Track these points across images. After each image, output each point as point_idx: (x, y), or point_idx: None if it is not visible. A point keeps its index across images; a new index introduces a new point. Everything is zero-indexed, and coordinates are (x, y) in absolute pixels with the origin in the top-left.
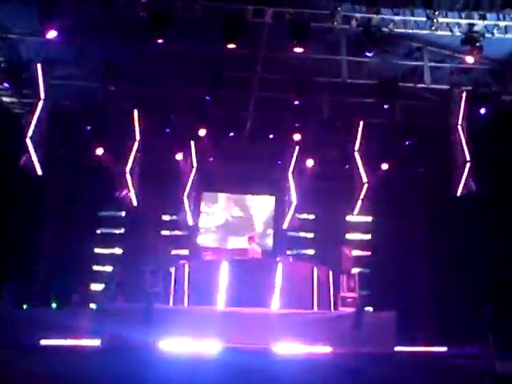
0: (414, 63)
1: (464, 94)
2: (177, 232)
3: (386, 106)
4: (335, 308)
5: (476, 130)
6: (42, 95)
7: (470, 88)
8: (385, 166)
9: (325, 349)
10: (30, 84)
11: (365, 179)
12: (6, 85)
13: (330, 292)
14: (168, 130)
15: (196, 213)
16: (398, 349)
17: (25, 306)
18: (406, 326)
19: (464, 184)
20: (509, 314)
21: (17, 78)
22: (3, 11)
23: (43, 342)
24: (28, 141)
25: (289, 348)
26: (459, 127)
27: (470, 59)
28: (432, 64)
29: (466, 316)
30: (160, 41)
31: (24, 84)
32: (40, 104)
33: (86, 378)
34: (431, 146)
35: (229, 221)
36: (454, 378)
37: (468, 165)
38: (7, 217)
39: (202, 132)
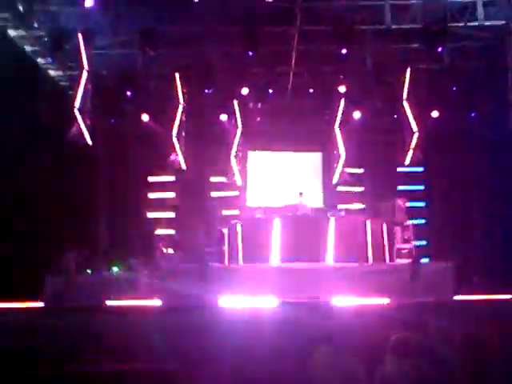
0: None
1: None
2: (227, 193)
3: (439, 49)
4: (391, 260)
5: None
6: (86, 65)
7: None
8: (435, 114)
9: (382, 300)
10: (74, 55)
11: (415, 128)
12: (49, 59)
13: (384, 244)
14: (210, 91)
15: (244, 173)
16: (457, 298)
17: (88, 271)
18: (465, 275)
19: None
20: None
21: (60, 49)
22: None
23: (108, 303)
24: (76, 112)
25: (345, 301)
26: None
27: None
28: None
29: None
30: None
31: (68, 55)
32: (84, 74)
33: (149, 337)
34: (484, 89)
35: (277, 179)
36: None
37: None
38: (63, 187)
39: (245, 91)
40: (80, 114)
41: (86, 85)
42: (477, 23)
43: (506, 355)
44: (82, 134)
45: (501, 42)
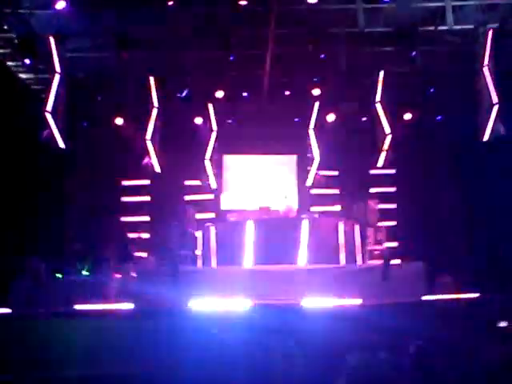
0: (436, 4)
1: (490, 32)
2: (201, 196)
3: (413, 54)
4: (363, 261)
5: (505, 70)
6: (58, 68)
7: (496, 26)
8: (408, 116)
9: (354, 301)
10: (45, 58)
11: (388, 130)
12: (26, 61)
13: (356, 245)
14: (185, 95)
15: (219, 176)
16: (426, 298)
17: (59, 275)
18: (435, 276)
19: (492, 128)
20: None
21: (31, 52)
22: None
23: (77, 307)
24: (48, 115)
25: (318, 302)
26: (485, 68)
27: None
28: (454, 3)
29: (496, 262)
30: (170, 3)
31: (39, 59)
32: (56, 77)
33: (120, 341)
34: (455, 92)
35: (252, 182)
36: (482, 323)
37: (496, 107)
38: (33, 191)
39: (220, 94)
40: (52, 117)
41: (58, 88)
42: (447, 27)
43: (468, 351)
44: (55, 138)
45: (470, 46)
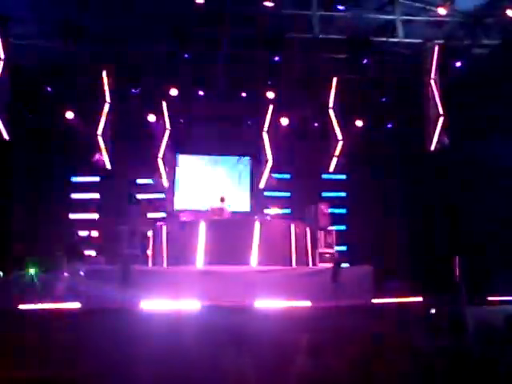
0: (387, 17)
1: (437, 48)
2: (152, 195)
3: (364, 61)
4: (313, 264)
5: (450, 84)
6: (1, 54)
7: (442, 41)
8: (359, 123)
9: (304, 303)
10: None
11: (339, 136)
12: None
13: (307, 248)
14: (138, 91)
15: (171, 175)
16: (375, 301)
17: (1, 273)
18: (383, 279)
19: (437, 139)
20: (479, 265)
21: None
22: None
23: (21, 307)
24: None
25: (269, 304)
26: (432, 81)
27: (442, 11)
28: (404, 17)
29: (440, 267)
30: None
31: None
32: (1, 64)
33: (66, 341)
34: (405, 101)
35: (205, 182)
36: (428, 325)
37: (441, 119)
38: None
39: (174, 92)
40: None
41: (2, 75)
42: (397, 40)
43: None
44: None
45: (420, 59)
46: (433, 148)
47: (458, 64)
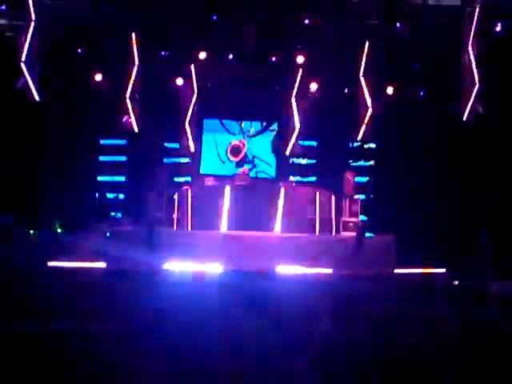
0: None
1: (477, 11)
2: (179, 159)
3: (397, 26)
4: (337, 232)
5: (489, 50)
6: (33, 16)
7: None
8: (390, 91)
9: (326, 270)
10: (20, 4)
11: (369, 104)
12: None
13: (331, 216)
14: (167, 54)
15: (198, 139)
16: (397, 271)
17: (31, 231)
18: (407, 250)
19: (470, 107)
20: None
21: None
22: None
23: (51, 264)
24: (22, 65)
25: (291, 270)
26: (470, 47)
27: None
28: None
29: (467, 240)
30: None
31: (14, 4)
32: (32, 25)
33: (92, 299)
34: (439, 68)
35: (230, 147)
36: (451, 297)
37: (476, 87)
38: (5, 142)
39: (202, 55)
40: (27, 67)
41: (33, 37)
42: (434, 3)
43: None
44: (30, 88)
45: (457, 24)
46: (465, 117)
47: (498, 28)
